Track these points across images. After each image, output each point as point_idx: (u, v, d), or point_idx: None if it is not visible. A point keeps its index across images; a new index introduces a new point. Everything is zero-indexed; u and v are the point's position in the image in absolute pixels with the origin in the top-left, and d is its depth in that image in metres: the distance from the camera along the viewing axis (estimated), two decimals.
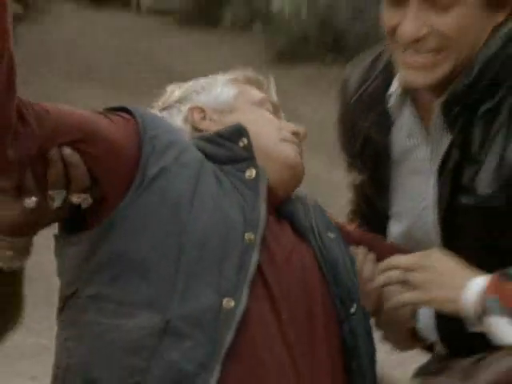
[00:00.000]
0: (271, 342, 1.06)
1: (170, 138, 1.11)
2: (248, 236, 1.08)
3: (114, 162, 1.04)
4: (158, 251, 1.04)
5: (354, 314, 1.15)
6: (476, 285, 1.05)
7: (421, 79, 1.11)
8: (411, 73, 1.12)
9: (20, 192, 1.00)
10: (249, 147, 1.15)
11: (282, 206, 1.17)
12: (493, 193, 1.09)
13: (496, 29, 1.11)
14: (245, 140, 1.15)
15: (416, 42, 1.09)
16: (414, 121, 1.18)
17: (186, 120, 1.21)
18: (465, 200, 1.12)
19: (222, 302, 1.04)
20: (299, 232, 1.17)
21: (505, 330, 1.05)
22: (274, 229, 1.12)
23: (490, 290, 1.06)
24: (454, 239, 1.16)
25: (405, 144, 1.20)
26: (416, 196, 1.20)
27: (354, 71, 1.25)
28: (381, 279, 1.10)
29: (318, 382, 1.08)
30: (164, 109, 1.25)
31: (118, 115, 1.09)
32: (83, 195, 1.04)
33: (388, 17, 1.11)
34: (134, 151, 1.06)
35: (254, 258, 1.06)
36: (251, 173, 1.14)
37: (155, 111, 1.23)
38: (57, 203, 1.04)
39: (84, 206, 1.05)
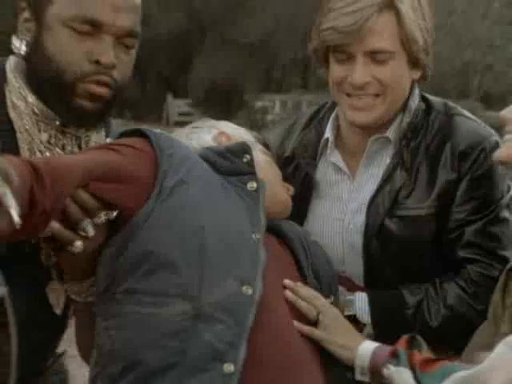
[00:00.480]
0: (281, 322, 1.17)
1: (183, 154, 1.18)
2: (255, 236, 1.17)
3: (126, 190, 1.11)
4: (183, 248, 1.10)
5: (331, 304, 1.29)
6: (371, 343, 1.19)
7: (363, 118, 1.30)
8: (355, 113, 1.30)
9: (63, 244, 1.06)
10: (251, 163, 1.22)
11: (271, 223, 1.25)
12: (425, 204, 1.30)
13: (413, 83, 1.35)
14: (248, 156, 1.23)
15: (361, 88, 1.28)
16: (342, 160, 1.37)
17: (214, 139, 1.30)
18: (401, 213, 1.30)
19: (241, 289, 1.12)
20: (285, 240, 1.28)
21: (407, 380, 1.13)
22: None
23: (400, 344, 1.16)
24: (374, 258, 1.32)
25: (331, 177, 1.39)
26: (332, 218, 1.37)
27: (271, 135, 1.49)
28: (299, 304, 1.20)
29: (307, 350, 1.18)
30: (195, 127, 1.37)
31: (130, 146, 1.14)
32: (103, 213, 1.09)
33: (338, 71, 1.31)
34: (147, 171, 1.12)
35: (263, 253, 1.16)
36: (253, 185, 1.21)
37: (185, 132, 1.36)
38: (91, 232, 1.07)
39: (111, 219, 1.12)
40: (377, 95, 1.31)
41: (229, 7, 21.40)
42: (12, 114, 1.15)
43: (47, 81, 1.14)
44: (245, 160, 1.23)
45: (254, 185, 1.22)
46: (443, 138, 1.32)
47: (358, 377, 1.20)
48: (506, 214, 1.31)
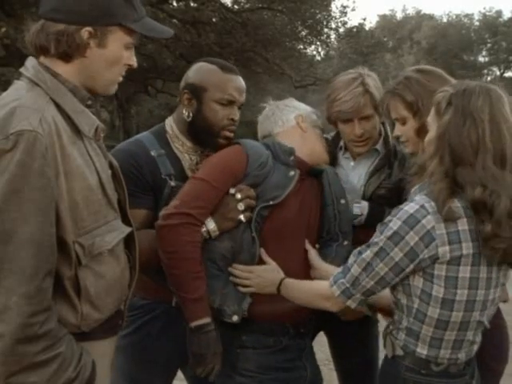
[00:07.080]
0: (293, 222, 1.99)
1: (261, 159, 1.94)
2: (281, 192, 1.93)
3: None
4: None
5: (329, 240, 2.14)
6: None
7: (360, 150, 2.33)
8: (356, 148, 2.33)
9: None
10: (294, 161, 2.01)
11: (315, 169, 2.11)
12: (398, 180, 2.21)
13: (379, 131, 2.38)
14: (293, 157, 2.02)
15: (360, 136, 2.29)
16: (348, 155, 2.42)
17: (296, 117, 2.11)
18: (385, 184, 2.28)
19: None
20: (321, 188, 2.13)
21: None
22: (302, 188, 2.04)
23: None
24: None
25: (343, 161, 2.43)
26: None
27: (330, 140, 2.45)
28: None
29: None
30: (285, 105, 2.16)
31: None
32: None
33: (345, 129, 2.28)
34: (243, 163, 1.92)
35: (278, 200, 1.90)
36: (292, 173, 1.99)
37: (279, 106, 2.15)
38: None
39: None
40: (366, 140, 2.33)
41: None
42: (176, 151, 2.04)
43: (205, 131, 2.00)
44: (292, 158, 2.03)
45: (293, 173, 2.01)
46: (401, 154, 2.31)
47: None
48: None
